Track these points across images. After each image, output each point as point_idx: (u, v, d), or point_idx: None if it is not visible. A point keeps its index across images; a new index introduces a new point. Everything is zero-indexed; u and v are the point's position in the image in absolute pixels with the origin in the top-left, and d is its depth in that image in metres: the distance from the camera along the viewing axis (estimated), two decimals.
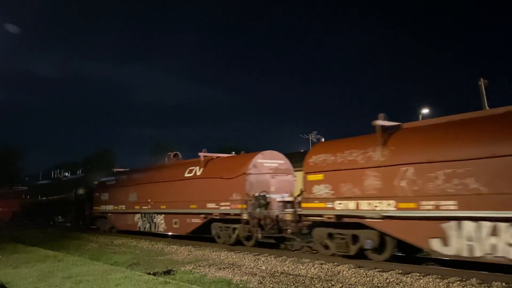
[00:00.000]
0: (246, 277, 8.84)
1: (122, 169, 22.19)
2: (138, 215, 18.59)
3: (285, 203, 12.64)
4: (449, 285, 7.60)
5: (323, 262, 10.36)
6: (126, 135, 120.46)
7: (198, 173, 15.33)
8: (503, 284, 7.47)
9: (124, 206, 19.60)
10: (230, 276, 9.07)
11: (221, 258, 11.75)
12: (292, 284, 8.16)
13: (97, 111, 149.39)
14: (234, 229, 13.60)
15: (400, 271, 8.91)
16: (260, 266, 10.36)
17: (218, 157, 16.15)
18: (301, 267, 9.85)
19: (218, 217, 14.03)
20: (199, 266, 10.52)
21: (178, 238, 16.73)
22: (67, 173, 32.08)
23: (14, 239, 18.54)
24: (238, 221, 13.35)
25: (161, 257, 12.35)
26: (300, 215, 11.44)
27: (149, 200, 17.84)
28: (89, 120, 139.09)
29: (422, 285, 7.74)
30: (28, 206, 34.03)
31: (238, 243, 13.59)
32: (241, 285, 8.20)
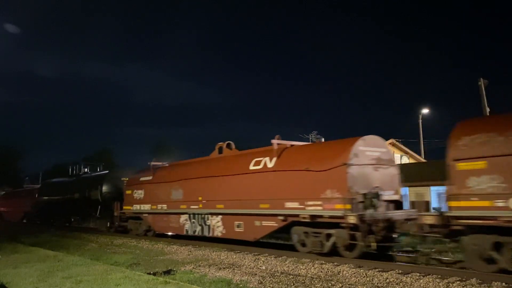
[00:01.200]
0: (246, 277, 8.84)
1: (160, 163, 19.20)
2: (184, 216, 15.79)
3: (389, 203, 10.81)
4: (449, 285, 7.61)
5: (323, 262, 10.35)
6: (126, 135, 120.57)
7: (270, 165, 12.45)
8: (503, 284, 7.47)
9: (165, 205, 16.83)
10: (230, 276, 9.07)
11: (221, 258, 11.75)
12: (292, 284, 8.16)
13: (97, 111, 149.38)
14: (329, 235, 10.79)
15: (400, 271, 8.91)
16: (260, 266, 10.36)
17: (292, 145, 13.24)
18: (301, 267, 9.85)
19: (306, 220, 11.02)
20: (199, 266, 10.52)
21: (178, 238, 16.72)
22: (86, 169, 28.77)
23: (14, 239, 18.53)
24: (334, 225, 10.57)
25: (161, 257, 12.35)
26: (448, 218, 8.59)
27: (200, 198, 15.01)
28: (89, 120, 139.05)
29: (422, 285, 7.74)
30: (42, 206, 30.81)
31: (333, 252, 10.79)
32: (241, 285, 8.20)
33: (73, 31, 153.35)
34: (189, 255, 12.66)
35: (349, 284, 8.05)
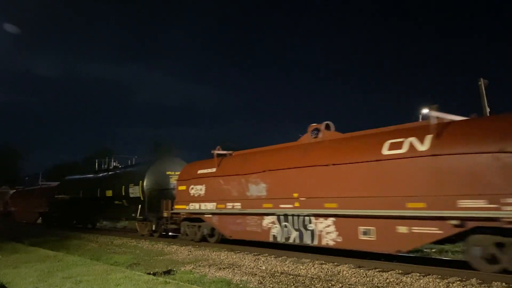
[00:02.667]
0: (246, 277, 8.84)
1: (226, 152, 15.43)
2: (270, 218, 12.36)
3: None
4: (449, 285, 7.61)
5: (323, 262, 10.35)
6: (126, 135, 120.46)
7: (422, 148, 8.95)
8: (503, 284, 7.47)
9: (238, 204, 13.47)
10: (230, 276, 9.07)
11: (221, 258, 11.75)
12: (292, 284, 8.16)
13: (97, 111, 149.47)
14: None
15: (400, 271, 8.91)
16: (260, 266, 10.36)
17: (452, 121, 9.40)
18: (301, 267, 9.85)
19: (504, 225, 7.58)
20: (199, 266, 10.52)
21: (178, 238, 16.68)
22: (115, 163, 24.75)
23: (14, 239, 18.53)
24: None
25: (161, 257, 12.35)
26: None
27: (295, 195, 11.55)
28: (89, 120, 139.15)
29: (422, 285, 7.74)
30: (61, 206, 27.64)
31: None
32: (241, 285, 8.20)
33: (73, 31, 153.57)
34: (189, 255, 12.66)
35: (349, 284, 8.05)
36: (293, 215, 11.73)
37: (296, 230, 11.64)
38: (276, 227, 12.25)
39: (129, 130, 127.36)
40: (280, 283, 8.21)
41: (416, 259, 10.50)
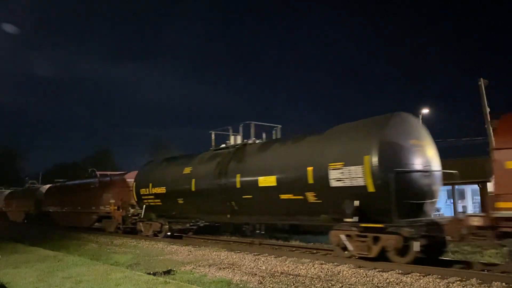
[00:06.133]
0: (246, 277, 8.84)
1: None
2: None
3: None
4: (449, 285, 7.61)
5: (323, 262, 10.35)
6: (125, 135, 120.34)
7: None
8: (503, 284, 7.47)
9: None
10: (230, 276, 9.07)
11: (221, 258, 11.75)
12: (292, 284, 8.16)
13: (96, 111, 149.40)
14: None
15: (400, 271, 8.91)
16: (260, 266, 10.36)
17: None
18: (301, 267, 9.85)
19: None
20: (199, 266, 10.52)
21: (178, 238, 16.71)
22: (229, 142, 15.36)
23: (14, 239, 18.53)
24: None
25: (161, 257, 12.35)
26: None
27: None
28: (89, 120, 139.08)
29: (422, 285, 7.75)
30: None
31: None
32: (241, 285, 8.20)
33: (73, 31, 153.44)
34: (189, 255, 12.66)
35: (349, 284, 8.05)
36: None
37: None
38: None
39: (129, 130, 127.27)
40: (280, 283, 8.21)
41: (416, 259, 10.49)
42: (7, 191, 42.38)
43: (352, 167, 9.78)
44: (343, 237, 10.21)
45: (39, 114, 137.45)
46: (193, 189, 14.91)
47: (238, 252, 12.53)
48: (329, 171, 10.21)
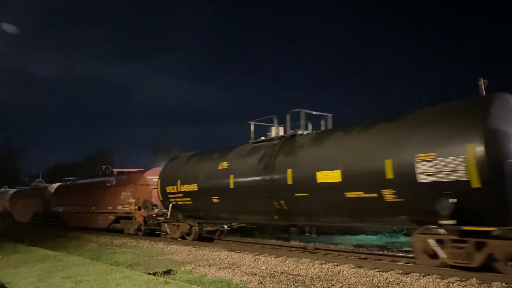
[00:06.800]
0: (246, 277, 8.84)
1: None
2: None
3: None
4: (449, 285, 7.61)
5: (323, 262, 10.36)
6: (125, 135, 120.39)
7: None
8: (503, 284, 7.47)
9: None
10: (230, 276, 9.08)
11: (221, 258, 11.76)
12: (292, 284, 8.16)
13: (96, 111, 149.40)
14: None
15: (400, 271, 8.92)
16: (260, 266, 10.37)
17: None
18: (301, 267, 9.86)
19: None
20: (199, 266, 10.52)
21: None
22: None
23: (14, 239, 18.53)
24: None
25: (161, 257, 12.35)
26: None
27: None
28: (89, 120, 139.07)
29: (422, 285, 7.75)
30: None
31: None
32: (241, 285, 8.20)
33: (72, 31, 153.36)
34: (189, 255, 12.66)
35: (349, 284, 8.05)
36: None
37: None
38: None
39: (129, 130, 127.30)
40: (280, 283, 8.21)
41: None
42: (12, 190, 41.00)
43: (449, 158, 8.00)
44: (432, 242, 8.49)
45: (39, 114, 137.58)
46: (231, 186, 13.21)
47: (238, 252, 12.53)
48: (416, 163, 8.46)
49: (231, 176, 13.27)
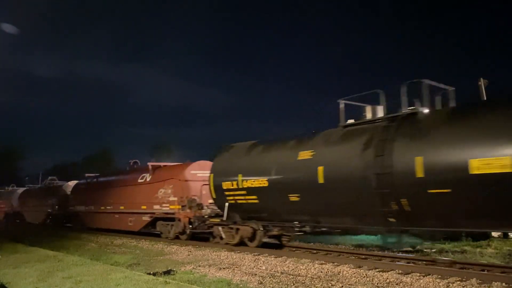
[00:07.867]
0: (246, 277, 8.84)
1: None
2: None
3: None
4: (449, 285, 7.61)
5: (323, 262, 10.35)
6: (125, 135, 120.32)
7: None
8: (503, 284, 7.47)
9: None
10: (230, 276, 9.07)
11: (221, 258, 11.75)
12: (292, 284, 8.16)
13: (96, 111, 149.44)
14: None
15: (400, 271, 8.92)
16: (260, 266, 10.36)
17: None
18: (301, 267, 9.85)
19: None
20: (199, 266, 10.51)
21: (178, 238, 16.68)
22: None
23: (14, 239, 18.52)
24: None
25: (161, 257, 12.35)
26: None
27: None
28: (89, 120, 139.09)
29: (422, 285, 7.74)
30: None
31: None
32: (241, 285, 8.20)
33: (72, 31, 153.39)
34: (189, 255, 12.65)
35: (349, 284, 8.04)
36: None
37: None
38: None
39: (129, 130, 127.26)
40: (280, 283, 8.20)
41: (416, 259, 10.49)
42: (21, 189, 38.55)
43: None
44: None
45: (39, 114, 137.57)
46: (321, 181, 10.47)
47: (238, 252, 12.52)
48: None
49: (319, 169, 10.50)
